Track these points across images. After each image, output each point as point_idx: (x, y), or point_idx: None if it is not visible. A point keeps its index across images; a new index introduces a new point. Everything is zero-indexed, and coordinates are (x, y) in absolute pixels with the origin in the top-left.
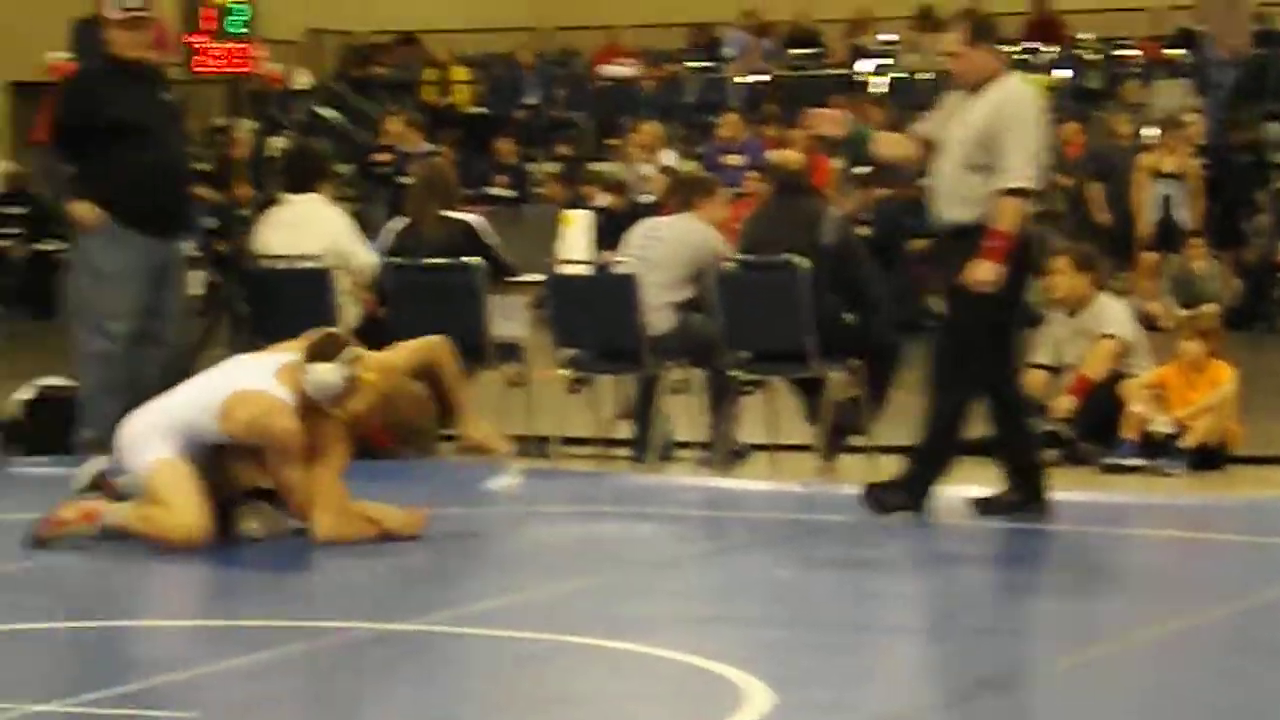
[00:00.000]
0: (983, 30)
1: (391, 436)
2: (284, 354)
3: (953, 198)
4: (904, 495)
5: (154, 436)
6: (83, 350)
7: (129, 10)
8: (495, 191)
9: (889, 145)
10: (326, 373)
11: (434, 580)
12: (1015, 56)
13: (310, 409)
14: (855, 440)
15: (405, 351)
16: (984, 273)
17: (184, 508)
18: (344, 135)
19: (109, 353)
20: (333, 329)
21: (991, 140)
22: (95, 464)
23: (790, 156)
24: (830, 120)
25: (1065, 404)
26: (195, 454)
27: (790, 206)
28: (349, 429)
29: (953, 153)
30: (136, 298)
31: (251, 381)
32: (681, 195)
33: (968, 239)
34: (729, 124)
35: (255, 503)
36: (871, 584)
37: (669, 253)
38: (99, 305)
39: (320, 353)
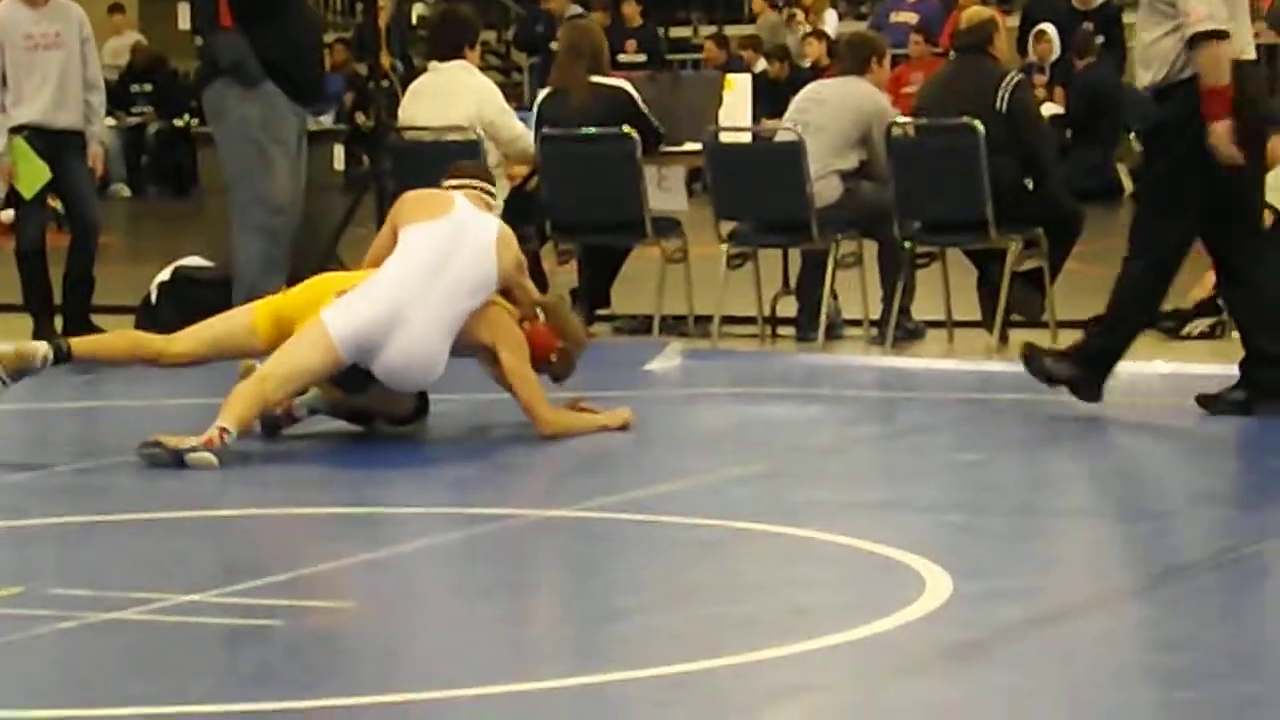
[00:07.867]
0: None
1: (556, 344)
2: (453, 196)
3: (1142, 58)
4: (1074, 368)
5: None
6: (244, 225)
7: None
8: (624, 58)
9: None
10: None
11: (595, 466)
12: None
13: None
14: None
15: None
16: (1213, 137)
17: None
18: None
19: (273, 227)
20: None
21: None
22: None
23: (979, 13)
24: None
25: None
26: None
27: (971, 68)
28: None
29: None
30: (295, 168)
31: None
32: (853, 57)
33: (1161, 101)
34: None
35: None
36: (1053, 467)
37: (834, 116)
38: (261, 178)
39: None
